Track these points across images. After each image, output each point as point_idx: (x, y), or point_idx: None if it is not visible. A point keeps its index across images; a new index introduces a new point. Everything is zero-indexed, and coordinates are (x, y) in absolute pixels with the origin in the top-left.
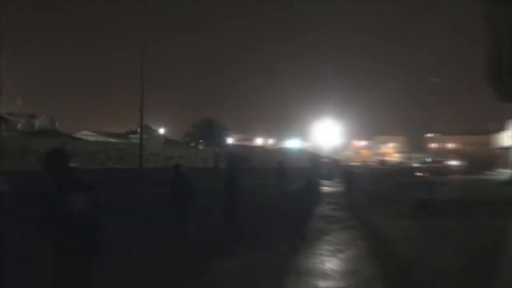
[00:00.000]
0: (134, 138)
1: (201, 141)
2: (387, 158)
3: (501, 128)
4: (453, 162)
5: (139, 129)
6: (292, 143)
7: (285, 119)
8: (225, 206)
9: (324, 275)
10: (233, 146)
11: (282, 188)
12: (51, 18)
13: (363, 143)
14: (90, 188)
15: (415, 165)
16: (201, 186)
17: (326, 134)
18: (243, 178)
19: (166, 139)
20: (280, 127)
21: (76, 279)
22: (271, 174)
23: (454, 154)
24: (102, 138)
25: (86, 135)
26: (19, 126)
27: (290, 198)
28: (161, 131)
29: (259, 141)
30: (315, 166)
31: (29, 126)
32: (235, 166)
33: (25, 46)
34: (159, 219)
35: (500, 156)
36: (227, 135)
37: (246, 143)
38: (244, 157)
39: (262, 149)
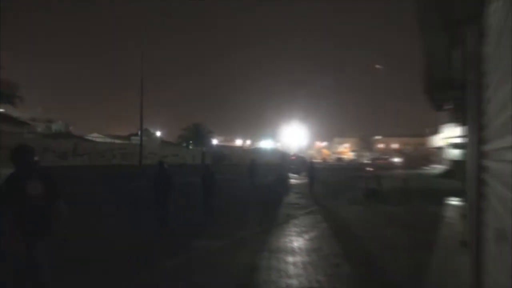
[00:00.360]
0: (135, 140)
1: (190, 142)
2: (343, 156)
3: (435, 131)
4: (396, 159)
5: (139, 132)
6: (266, 144)
7: (260, 123)
8: (204, 196)
9: (292, 252)
10: (216, 146)
11: (253, 181)
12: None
13: (323, 143)
14: (47, 177)
15: (365, 161)
16: (187, 179)
17: (293, 136)
18: (223, 173)
19: (162, 141)
20: (255, 130)
21: (29, 251)
22: (246, 170)
23: (396, 152)
24: (108, 140)
25: (95, 137)
26: (39, 129)
27: (262, 189)
28: (158, 133)
29: (238, 142)
30: (285, 163)
31: (47, 129)
32: (215, 163)
33: (42, 55)
34: (147, 207)
35: (434, 155)
36: (212, 137)
37: (227, 143)
38: (225, 156)
39: (241, 148)
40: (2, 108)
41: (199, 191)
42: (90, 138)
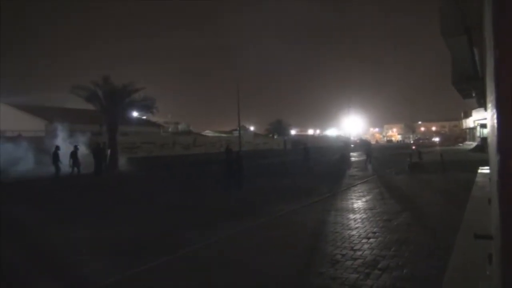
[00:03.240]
0: (235, 133)
1: (275, 133)
2: (392, 138)
3: (467, 115)
4: (435, 139)
5: (238, 128)
6: (331, 131)
7: (326, 114)
8: (233, 173)
9: (353, 210)
10: (294, 135)
11: (306, 159)
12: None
13: (376, 129)
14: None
15: (410, 141)
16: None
17: (352, 124)
18: (299, 155)
19: (254, 133)
20: (323, 121)
21: None
22: (302, 153)
23: (435, 133)
24: (217, 134)
25: (207, 132)
26: (170, 129)
27: (320, 165)
28: (251, 128)
29: (310, 131)
30: (346, 145)
31: (175, 129)
32: (294, 147)
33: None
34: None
35: (466, 134)
36: (291, 128)
37: (302, 133)
38: (301, 142)
39: (312, 136)
40: (145, 116)
41: (226, 171)
42: (204, 133)
